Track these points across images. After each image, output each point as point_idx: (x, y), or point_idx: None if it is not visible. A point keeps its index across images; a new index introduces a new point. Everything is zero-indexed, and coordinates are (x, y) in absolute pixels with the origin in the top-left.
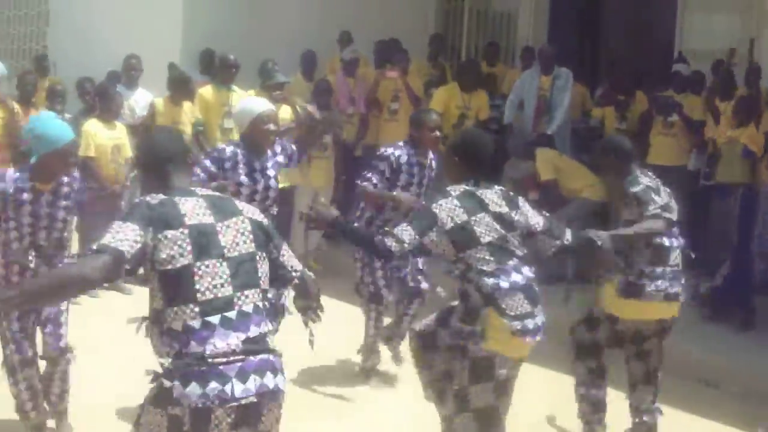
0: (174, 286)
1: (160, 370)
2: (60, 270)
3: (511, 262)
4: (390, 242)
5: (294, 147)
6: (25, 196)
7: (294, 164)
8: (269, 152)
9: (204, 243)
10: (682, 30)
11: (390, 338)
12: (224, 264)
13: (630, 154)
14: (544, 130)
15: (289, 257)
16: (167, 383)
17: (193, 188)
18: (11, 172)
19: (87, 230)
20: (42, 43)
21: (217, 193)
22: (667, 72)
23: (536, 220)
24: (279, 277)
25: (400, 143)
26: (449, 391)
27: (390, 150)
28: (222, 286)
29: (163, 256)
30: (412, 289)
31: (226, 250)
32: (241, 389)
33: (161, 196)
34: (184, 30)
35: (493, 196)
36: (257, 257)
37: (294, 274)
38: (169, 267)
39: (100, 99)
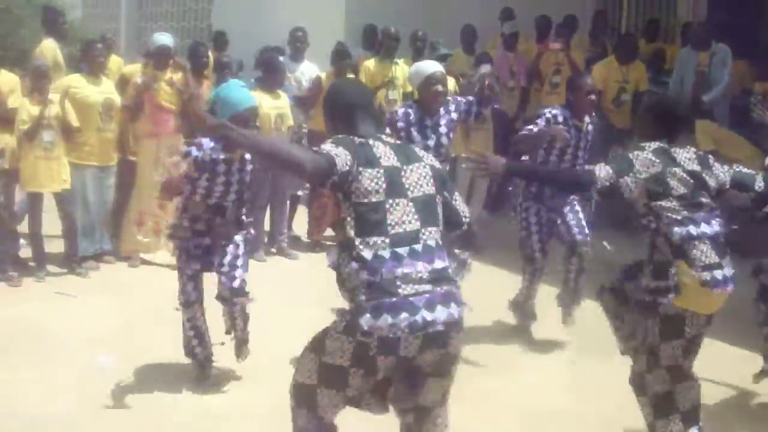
0: (367, 218)
1: (348, 306)
2: (287, 144)
3: (701, 214)
4: (589, 174)
5: (471, 99)
6: (220, 167)
7: (473, 115)
8: (442, 110)
9: (394, 182)
10: None
11: (562, 299)
12: (410, 203)
13: None
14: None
15: (460, 202)
16: (358, 319)
17: (379, 134)
18: (207, 141)
19: None
20: (206, 21)
21: (400, 142)
22: None
23: (726, 175)
24: (451, 221)
25: (558, 106)
26: (639, 346)
27: (548, 109)
28: (409, 222)
29: (362, 189)
30: (568, 242)
31: (409, 192)
32: (430, 318)
33: (361, 139)
34: (347, 5)
35: (686, 154)
36: (437, 199)
37: (465, 219)
38: (365, 200)
39: (264, 69)
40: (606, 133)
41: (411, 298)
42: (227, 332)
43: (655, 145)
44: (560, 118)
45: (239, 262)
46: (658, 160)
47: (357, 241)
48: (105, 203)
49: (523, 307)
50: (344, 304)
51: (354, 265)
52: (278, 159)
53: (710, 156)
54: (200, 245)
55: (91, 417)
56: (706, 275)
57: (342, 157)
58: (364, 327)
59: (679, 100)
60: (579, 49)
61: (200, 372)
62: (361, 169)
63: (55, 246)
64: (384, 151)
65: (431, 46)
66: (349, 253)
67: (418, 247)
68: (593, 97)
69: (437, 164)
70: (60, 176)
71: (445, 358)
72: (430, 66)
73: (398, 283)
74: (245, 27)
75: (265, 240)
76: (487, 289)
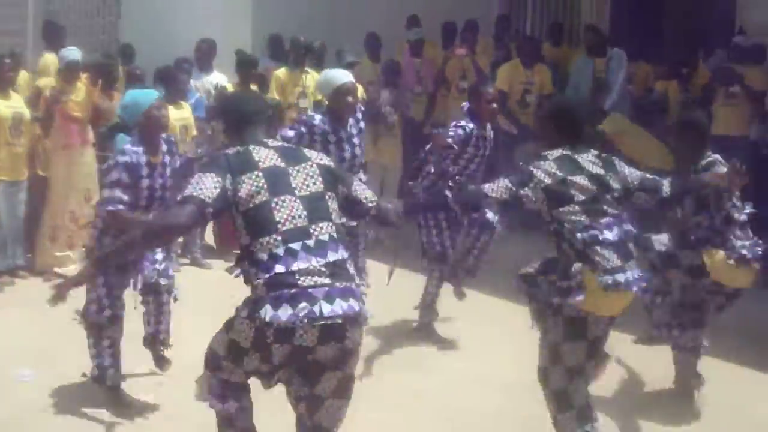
0: (256, 221)
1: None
2: (151, 221)
3: (603, 220)
4: (487, 188)
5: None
6: (144, 170)
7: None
8: (351, 120)
9: (277, 182)
10: (740, 3)
11: (455, 267)
12: (298, 200)
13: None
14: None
15: (362, 191)
16: (259, 308)
17: (266, 140)
18: (130, 146)
19: None
20: (114, 35)
21: (288, 145)
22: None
23: (632, 177)
24: (356, 210)
25: (467, 117)
26: (542, 342)
27: (464, 122)
28: (299, 217)
29: (243, 195)
30: (480, 222)
31: (297, 190)
32: (328, 309)
33: (238, 148)
34: (253, 16)
35: (589, 157)
36: (326, 196)
37: (369, 205)
38: (250, 205)
39: (163, 82)
40: (522, 132)
41: (310, 290)
42: (146, 344)
43: (557, 152)
44: (474, 131)
45: (159, 255)
46: (559, 168)
47: (251, 246)
48: (16, 218)
49: (430, 306)
50: None
51: (252, 269)
52: (158, 237)
53: (615, 157)
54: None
55: (9, 430)
56: (608, 278)
57: (208, 187)
58: (264, 318)
59: (579, 103)
60: (484, 53)
61: (116, 398)
62: (237, 179)
63: None
64: (265, 155)
65: (338, 53)
66: (248, 260)
67: (311, 242)
68: (494, 105)
69: (327, 162)
70: None
71: (342, 352)
72: (341, 76)
73: (296, 276)
74: (153, 40)
75: (178, 250)
76: (394, 290)
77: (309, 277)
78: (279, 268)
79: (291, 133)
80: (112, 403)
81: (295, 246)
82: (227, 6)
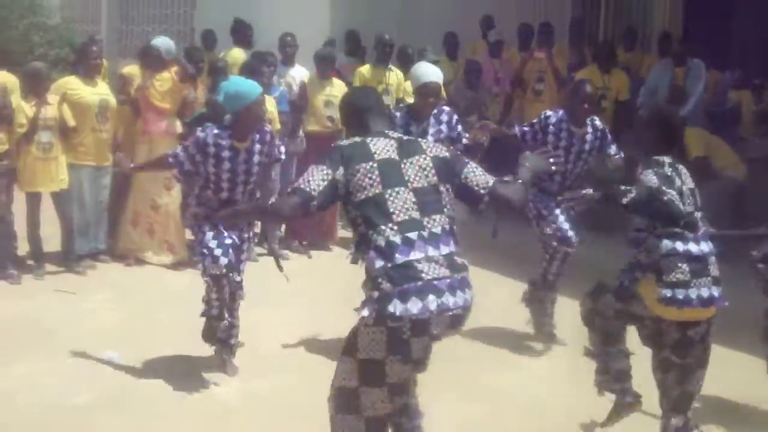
0: (372, 211)
1: (371, 297)
2: (264, 204)
3: (692, 234)
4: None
5: (456, 120)
6: (226, 153)
7: (454, 133)
8: (432, 119)
9: (391, 174)
10: None
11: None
12: (411, 193)
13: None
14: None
15: (473, 177)
16: (387, 305)
17: (386, 131)
18: (212, 128)
19: None
20: (189, 24)
21: (408, 137)
22: None
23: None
24: (470, 199)
25: (556, 109)
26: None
27: (544, 112)
28: (412, 209)
29: (358, 185)
30: (559, 238)
31: (409, 183)
32: (453, 301)
33: (355, 139)
34: (331, 12)
35: (684, 171)
36: (439, 188)
37: (482, 192)
38: (363, 196)
39: (249, 74)
40: None
41: (435, 282)
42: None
43: (667, 160)
44: (552, 119)
45: (243, 257)
46: (666, 179)
47: (369, 233)
48: (100, 203)
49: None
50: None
51: (371, 254)
52: (264, 217)
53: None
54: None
55: (108, 408)
56: (668, 292)
57: (315, 180)
58: (395, 313)
59: (675, 111)
60: (560, 57)
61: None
62: (351, 170)
63: (50, 245)
64: (382, 146)
65: (420, 52)
66: (365, 247)
67: (425, 233)
68: (587, 106)
69: (442, 153)
70: (57, 176)
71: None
72: (429, 75)
73: (419, 267)
74: (228, 31)
75: (255, 240)
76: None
77: (432, 268)
78: (399, 258)
79: None
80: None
81: (412, 235)
82: (306, 1)
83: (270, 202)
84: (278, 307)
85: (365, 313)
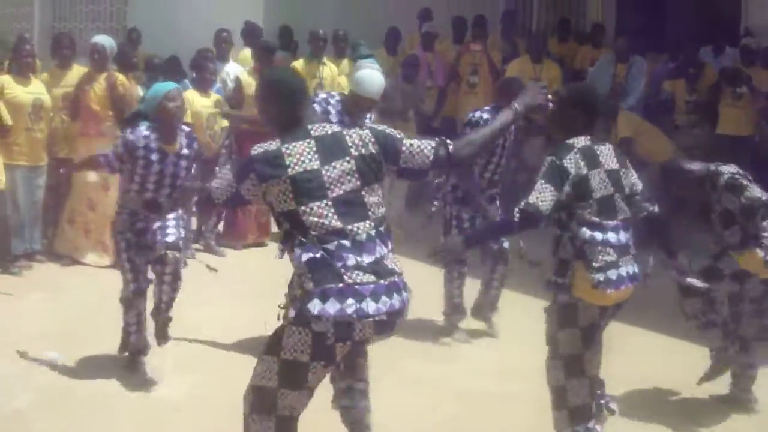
0: (290, 222)
1: (294, 295)
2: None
3: (611, 222)
4: (532, 208)
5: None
6: (154, 155)
7: None
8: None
9: (307, 188)
10: (747, 5)
11: (479, 308)
12: (330, 204)
13: None
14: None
15: (412, 159)
16: (307, 304)
17: (308, 126)
18: (142, 129)
19: None
20: (122, 22)
21: (330, 131)
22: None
23: (637, 181)
24: (417, 176)
25: (485, 108)
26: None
27: (475, 112)
28: (332, 220)
29: (272, 200)
30: (494, 251)
31: (329, 191)
32: (374, 308)
33: (270, 147)
34: (265, 7)
35: (607, 152)
36: (363, 192)
37: (428, 161)
38: (279, 209)
39: (195, 70)
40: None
41: (357, 286)
42: (152, 314)
43: (581, 142)
44: (485, 117)
45: (171, 223)
46: (584, 161)
47: (293, 233)
48: (34, 203)
49: (456, 307)
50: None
51: (297, 250)
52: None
53: (625, 157)
54: (138, 231)
55: (45, 410)
56: (600, 276)
57: (223, 181)
58: (313, 312)
59: (596, 90)
60: (494, 49)
61: (132, 364)
62: (266, 184)
63: None
64: (299, 153)
65: (353, 46)
66: (290, 244)
67: (347, 242)
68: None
69: (367, 150)
70: None
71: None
72: (368, 89)
73: (342, 270)
74: (160, 28)
75: (191, 236)
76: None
77: (355, 273)
78: (321, 261)
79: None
80: (129, 369)
81: (331, 246)
82: None
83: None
84: (212, 304)
85: (291, 313)
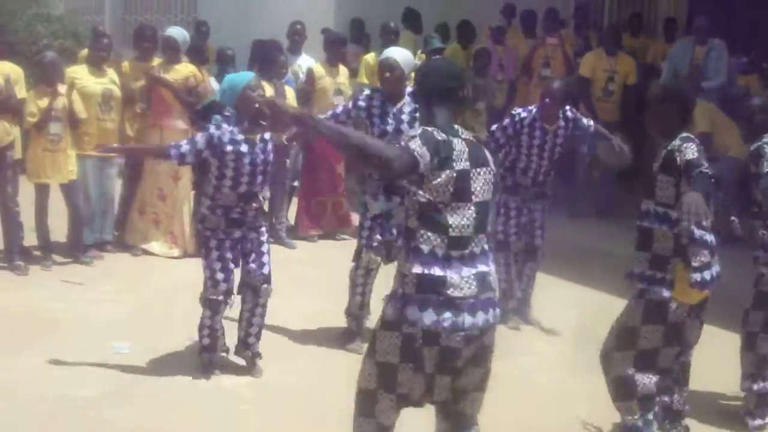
0: (430, 214)
1: (395, 293)
2: (372, 139)
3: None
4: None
5: None
6: (243, 147)
7: None
8: (407, 98)
9: (461, 188)
10: None
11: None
12: (472, 208)
13: None
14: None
15: None
16: (405, 309)
17: (457, 129)
18: (226, 124)
19: None
20: (192, 13)
21: (470, 137)
22: None
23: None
24: None
25: (530, 107)
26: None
27: (518, 109)
28: (468, 227)
29: (432, 188)
30: (529, 246)
31: (474, 196)
32: (470, 322)
33: (437, 134)
34: (337, 1)
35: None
36: (490, 204)
37: None
38: (432, 199)
39: (261, 60)
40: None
41: (458, 301)
42: (237, 352)
43: (692, 136)
44: (526, 119)
45: (265, 248)
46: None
47: (419, 232)
48: (105, 193)
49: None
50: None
51: (411, 257)
52: (366, 153)
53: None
54: (232, 237)
55: (116, 399)
56: (697, 276)
57: (425, 155)
58: (409, 318)
59: (689, 87)
60: (567, 43)
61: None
62: (440, 171)
63: (55, 236)
64: (460, 150)
65: (425, 39)
66: (408, 242)
67: (467, 252)
68: (547, 100)
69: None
70: (66, 168)
71: (480, 350)
72: (388, 53)
73: (450, 281)
74: (232, 20)
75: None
76: None
77: (457, 289)
78: (435, 270)
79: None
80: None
81: (455, 253)
82: None
83: (379, 145)
84: (287, 297)
85: (389, 311)
